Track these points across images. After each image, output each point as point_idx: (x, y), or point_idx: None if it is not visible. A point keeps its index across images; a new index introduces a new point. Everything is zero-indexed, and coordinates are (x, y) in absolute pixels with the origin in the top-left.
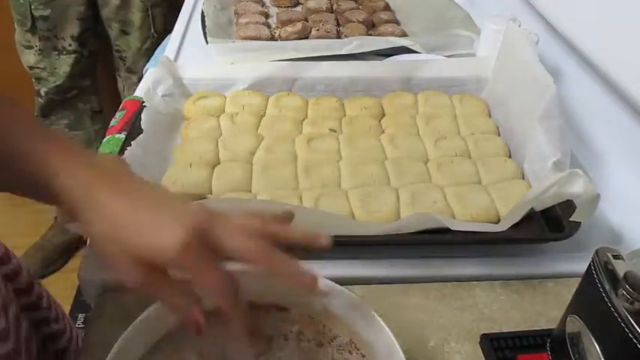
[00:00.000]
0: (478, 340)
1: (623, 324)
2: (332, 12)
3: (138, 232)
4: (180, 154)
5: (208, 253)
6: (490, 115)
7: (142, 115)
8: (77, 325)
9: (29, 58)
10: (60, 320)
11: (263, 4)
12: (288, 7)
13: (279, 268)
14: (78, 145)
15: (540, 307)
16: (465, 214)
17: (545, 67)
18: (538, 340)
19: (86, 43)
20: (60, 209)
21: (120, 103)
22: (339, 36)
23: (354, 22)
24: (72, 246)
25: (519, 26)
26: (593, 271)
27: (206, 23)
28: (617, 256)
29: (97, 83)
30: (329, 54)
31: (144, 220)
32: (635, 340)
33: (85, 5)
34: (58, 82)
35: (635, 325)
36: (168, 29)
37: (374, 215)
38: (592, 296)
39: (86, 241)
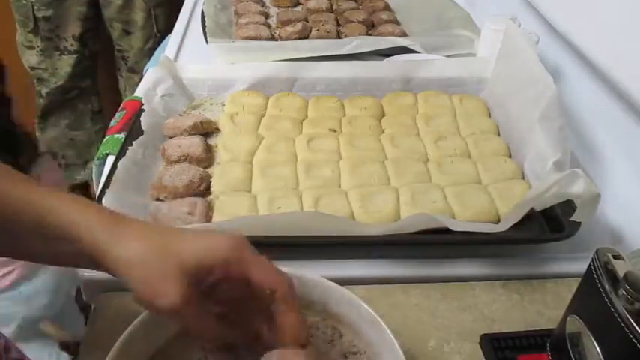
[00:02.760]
0: (478, 340)
1: (623, 324)
2: (332, 12)
3: None
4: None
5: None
6: (490, 115)
7: (142, 116)
8: None
9: (31, 58)
10: None
11: (263, 4)
12: (288, 7)
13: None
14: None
15: (540, 307)
16: (465, 214)
17: (545, 67)
18: (538, 340)
19: (87, 43)
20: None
21: (120, 103)
22: (339, 36)
23: (354, 22)
24: None
25: (519, 26)
26: (593, 271)
27: (206, 23)
28: (617, 256)
29: (97, 83)
30: (329, 54)
31: None
32: (635, 340)
33: (86, 5)
34: (60, 83)
35: (635, 325)
36: (170, 29)
37: (374, 215)
38: (592, 296)
39: None
